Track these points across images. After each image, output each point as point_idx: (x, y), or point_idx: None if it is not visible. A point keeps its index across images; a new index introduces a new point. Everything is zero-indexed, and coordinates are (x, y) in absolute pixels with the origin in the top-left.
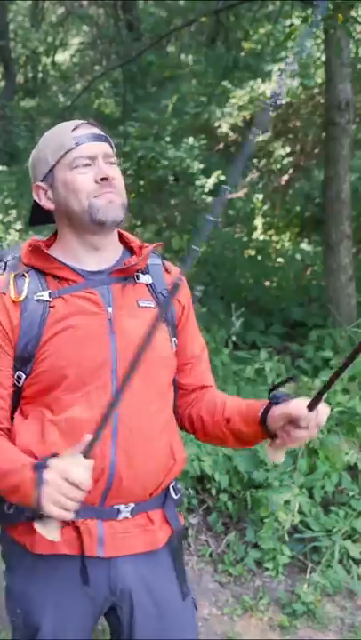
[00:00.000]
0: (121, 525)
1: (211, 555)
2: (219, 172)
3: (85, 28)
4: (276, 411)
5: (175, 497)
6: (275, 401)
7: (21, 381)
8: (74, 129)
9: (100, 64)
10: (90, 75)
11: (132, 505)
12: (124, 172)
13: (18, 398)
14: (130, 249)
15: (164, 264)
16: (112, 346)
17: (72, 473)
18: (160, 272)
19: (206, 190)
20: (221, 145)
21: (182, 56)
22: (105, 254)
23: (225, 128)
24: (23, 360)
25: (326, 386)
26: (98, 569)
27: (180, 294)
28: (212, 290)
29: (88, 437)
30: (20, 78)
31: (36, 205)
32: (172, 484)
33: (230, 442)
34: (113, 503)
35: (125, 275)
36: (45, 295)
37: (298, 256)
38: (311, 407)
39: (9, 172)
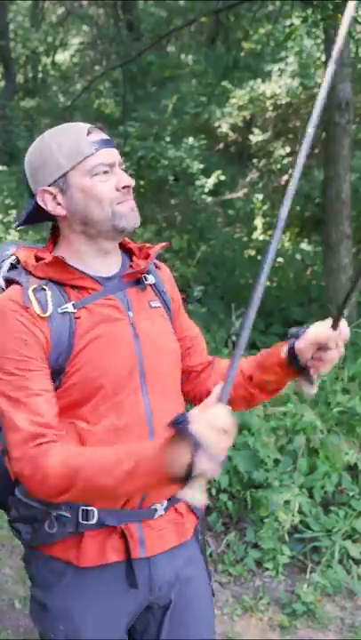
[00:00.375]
0: (157, 523)
1: (211, 555)
2: (219, 172)
3: (85, 27)
4: (303, 342)
5: None
6: (295, 336)
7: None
8: (88, 134)
9: (100, 64)
10: (90, 75)
11: (165, 502)
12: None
13: None
14: (127, 250)
15: (154, 263)
16: (137, 349)
17: (219, 419)
18: (155, 270)
19: (206, 190)
20: (221, 145)
21: (182, 56)
22: (112, 258)
23: (225, 128)
24: (53, 373)
25: (344, 301)
26: (141, 570)
27: (167, 285)
28: (212, 290)
29: (218, 387)
30: (19, 78)
31: (35, 208)
32: None
33: (258, 397)
34: (151, 503)
35: (135, 278)
36: (70, 307)
37: (298, 256)
38: (335, 326)
39: (9, 171)
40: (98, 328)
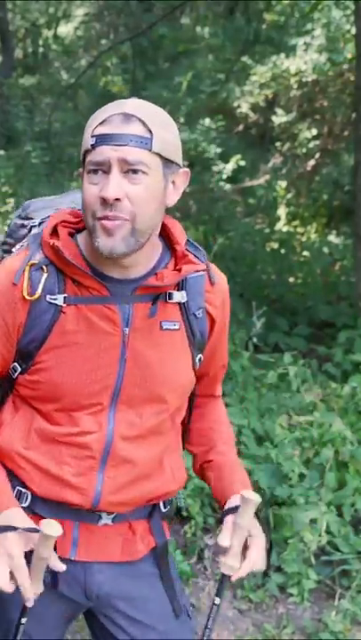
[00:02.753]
0: (100, 530)
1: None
2: (238, 156)
3: None
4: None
5: (163, 510)
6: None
7: (16, 374)
8: (102, 122)
9: (106, 37)
10: (95, 49)
11: (115, 514)
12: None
13: (11, 386)
14: (173, 249)
15: (208, 273)
16: (119, 371)
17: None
18: (201, 285)
19: (224, 177)
20: (241, 127)
21: (198, 28)
22: (133, 269)
23: (245, 108)
24: (22, 355)
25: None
26: (70, 571)
27: (212, 308)
28: (230, 286)
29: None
30: (18, 53)
31: None
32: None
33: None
34: (97, 509)
35: (155, 292)
36: (60, 299)
37: (325, 249)
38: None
39: (6, 156)
40: (81, 334)
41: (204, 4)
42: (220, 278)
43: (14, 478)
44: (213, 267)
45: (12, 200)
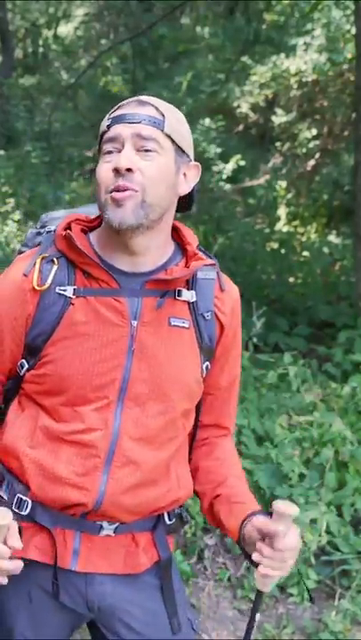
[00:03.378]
0: (102, 541)
1: (229, 579)
2: (238, 156)
3: None
4: (250, 524)
5: (168, 522)
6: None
7: (23, 370)
8: (118, 107)
9: (106, 37)
10: (96, 49)
11: (117, 524)
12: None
13: (18, 385)
14: (184, 250)
15: (219, 280)
16: (127, 365)
17: None
18: (210, 289)
19: (224, 177)
20: (241, 127)
21: (198, 28)
22: (143, 258)
23: (245, 108)
24: (30, 350)
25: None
26: (72, 582)
27: (221, 314)
28: None
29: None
30: (18, 53)
31: None
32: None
33: (203, 509)
34: (94, 520)
35: (165, 287)
36: (69, 291)
37: (325, 249)
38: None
39: (6, 156)
40: (89, 326)
41: (204, 3)
42: (231, 287)
43: (16, 482)
44: (226, 277)
45: (12, 200)
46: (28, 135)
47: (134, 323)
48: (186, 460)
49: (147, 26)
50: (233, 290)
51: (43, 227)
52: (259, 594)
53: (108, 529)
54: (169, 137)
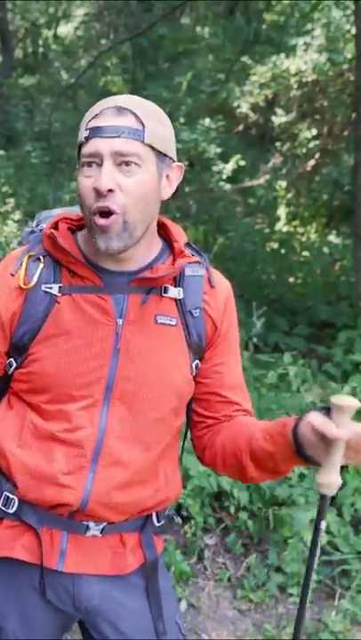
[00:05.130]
0: (89, 542)
1: (229, 579)
2: (238, 156)
3: None
4: (303, 423)
5: (157, 523)
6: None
7: (11, 369)
8: (95, 116)
9: (106, 37)
10: (95, 49)
11: (104, 524)
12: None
13: (7, 383)
14: (171, 247)
15: (209, 276)
16: (112, 363)
17: None
18: (199, 286)
19: (224, 177)
20: (241, 127)
21: (198, 29)
22: (129, 261)
23: (245, 108)
24: (17, 349)
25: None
26: (60, 582)
27: (211, 310)
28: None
29: None
30: (18, 53)
31: None
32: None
33: (250, 470)
34: (81, 519)
35: (150, 285)
36: (55, 289)
37: (325, 249)
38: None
39: (6, 156)
40: (75, 323)
41: (204, 3)
42: (221, 283)
43: (3, 480)
44: (217, 273)
45: (12, 200)
46: (28, 135)
47: (120, 321)
48: (175, 459)
49: (147, 26)
50: (224, 285)
51: (38, 225)
52: (323, 498)
53: (94, 529)
54: (149, 146)
